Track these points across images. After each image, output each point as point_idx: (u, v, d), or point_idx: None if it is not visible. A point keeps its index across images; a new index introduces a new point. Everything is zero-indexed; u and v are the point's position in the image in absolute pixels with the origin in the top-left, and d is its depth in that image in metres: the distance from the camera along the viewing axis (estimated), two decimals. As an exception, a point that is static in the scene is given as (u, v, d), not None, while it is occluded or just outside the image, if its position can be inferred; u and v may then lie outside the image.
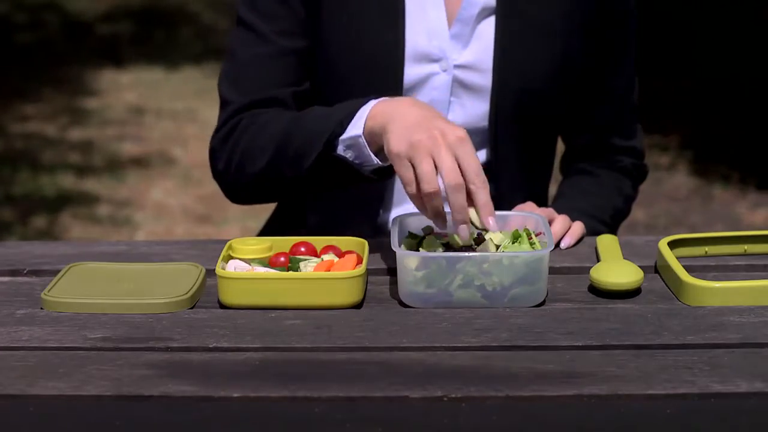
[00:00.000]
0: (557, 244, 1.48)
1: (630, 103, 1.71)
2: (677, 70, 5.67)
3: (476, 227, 1.32)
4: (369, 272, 1.34)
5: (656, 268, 1.41)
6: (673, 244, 1.41)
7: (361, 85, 1.57)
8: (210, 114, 4.95)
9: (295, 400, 1.07)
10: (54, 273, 1.39)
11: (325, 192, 1.62)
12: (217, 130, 1.60)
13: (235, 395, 1.07)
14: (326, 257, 1.35)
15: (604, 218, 1.65)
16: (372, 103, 1.41)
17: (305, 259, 1.34)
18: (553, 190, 1.75)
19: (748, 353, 1.15)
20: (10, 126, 5.15)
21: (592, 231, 1.56)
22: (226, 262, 1.33)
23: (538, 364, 1.13)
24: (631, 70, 1.69)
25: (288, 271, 1.32)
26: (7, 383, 1.10)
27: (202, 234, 3.81)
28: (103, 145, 4.88)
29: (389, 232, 1.63)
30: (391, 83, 1.57)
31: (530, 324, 1.23)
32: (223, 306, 1.29)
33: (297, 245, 1.37)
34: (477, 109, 1.61)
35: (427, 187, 1.28)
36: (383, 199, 1.63)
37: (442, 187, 1.29)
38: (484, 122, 1.61)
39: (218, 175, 1.60)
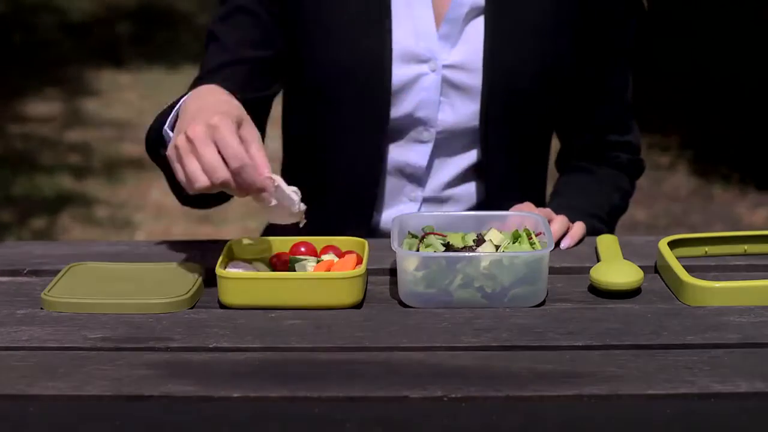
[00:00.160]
0: (557, 244, 1.48)
1: (625, 100, 1.71)
2: (677, 70, 5.67)
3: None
4: (369, 272, 1.34)
5: (656, 268, 1.41)
6: (673, 244, 1.41)
7: (350, 86, 1.58)
8: (210, 114, 4.94)
9: (295, 400, 1.07)
10: (54, 273, 1.39)
11: (317, 191, 1.62)
12: None
13: (235, 395, 1.07)
14: (326, 257, 1.35)
15: (603, 216, 1.65)
16: (183, 99, 1.39)
17: (305, 259, 1.34)
18: (549, 188, 1.75)
19: (748, 353, 1.15)
20: (10, 126, 5.15)
21: (591, 229, 1.56)
22: (226, 262, 1.33)
23: (538, 364, 1.13)
24: (626, 67, 1.69)
25: (288, 271, 1.32)
26: (7, 383, 1.10)
27: (202, 234, 3.81)
28: (103, 145, 4.88)
29: (382, 233, 1.64)
30: (379, 84, 1.57)
31: (530, 324, 1.23)
32: (223, 306, 1.29)
33: (297, 245, 1.38)
34: (467, 109, 1.61)
35: (196, 185, 1.25)
36: (374, 201, 1.64)
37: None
38: (475, 122, 1.61)
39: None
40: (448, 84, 1.59)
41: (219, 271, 1.29)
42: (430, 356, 1.15)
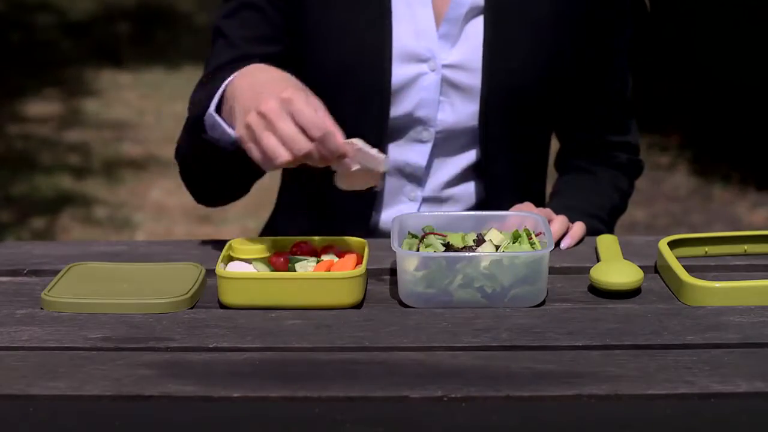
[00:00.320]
0: (557, 244, 1.48)
1: (624, 100, 1.71)
2: (677, 70, 5.67)
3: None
4: (369, 272, 1.34)
5: (656, 268, 1.41)
6: (673, 244, 1.41)
7: (350, 85, 1.58)
8: (210, 114, 4.94)
9: (295, 400, 1.06)
10: (54, 273, 1.38)
11: (317, 190, 1.62)
12: None
13: (235, 395, 1.07)
14: (326, 257, 1.35)
15: (603, 216, 1.65)
16: (227, 80, 1.39)
17: (305, 259, 1.34)
18: (548, 188, 1.75)
19: (748, 353, 1.15)
20: (9, 127, 5.15)
21: (591, 229, 1.56)
22: (226, 262, 1.33)
23: (538, 364, 1.13)
24: (625, 67, 1.69)
25: (288, 271, 1.32)
26: (7, 383, 1.10)
27: (202, 234, 3.81)
28: (103, 145, 4.88)
29: (382, 233, 1.64)
30: (379, 84, 1.57)
31: (530, 324, 1.23)
32: (223, 306, 1.29)
33: (297, 245, 1.38)
34: (467, 109, 1.61)
35: (278, 160, 1.26)
36: (374, 201, 1.64)
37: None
38: (474, 122, 1.61)
39: (183, 180, 1.61)
40: (447, 83, 1.59)
41: (219, 271, 1.29)
42: (430, 356, 1.15)
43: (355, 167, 1.31)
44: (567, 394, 1.06)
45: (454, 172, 1.65)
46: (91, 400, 1.07)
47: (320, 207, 1.66)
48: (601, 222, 1.64)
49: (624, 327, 1.22)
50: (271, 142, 1.26)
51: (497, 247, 1.33)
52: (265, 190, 2.02)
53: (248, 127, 1.28)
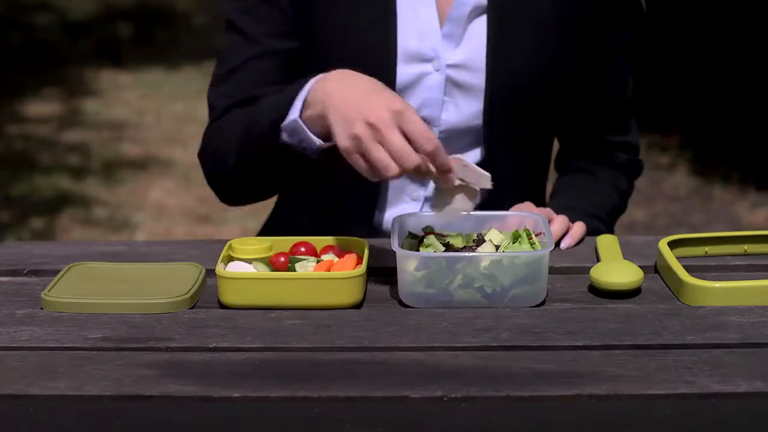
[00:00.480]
0: (557, 244, 1.48)
1: (624, 100, 1.71)
2: (677, 71, 5.67)
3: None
4: (369, 272, 1.34)
5: (656, 268, 1.41)
6: (673, 244, 1.41)
7: None
8: (210, 114, 4.95)
9: (295, 400, 1.06)
10: (54, 273, 1.38)
11: (319, 189, 1.63)
12: (203, 135, 1.61)
13: (235, 395, 1.07)
14: (326, 257, 1.35)
15: (603, 216, 1.65)
16: (309, 84, 1.40)
17: (305, 259, 1.34)
18: (549, 188, 1.75)
19: (748, 353, 1.15)
20: (9, 127, 5.15)
21: (591, 229, 1.56)
22: (226, 262, 1.33)
23: (538, 364, 1.13)
24: (625, 67, 1.69)
25: (288, 271, 1.32)
26: (7, 383, 1.10)
27: (202, 234, 3.81)
28: (103, 145, 4.88)
29: (384, 233, 1.64)
30: (384, 84, 1.57)
31: (530, 324, 1.23)
32: (223, 306, 1.29)
33: (297, 245, 1.37)
34: (470, 108, 1.61)
35: (388, 173, 1.27)
36: (377, 201, 1.63)
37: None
38: (478, 121, 1.61)
39: (207, 178, 1.62)
40: (451, 83, 1.59)
41: (219, 271, 1.29)
42: (430, 356, 1.15)
43: (456, 182, 1.32)
44: (567, 394, 1.06)
45: None
46: (91, 400, 1.07)
47: (323, 207, 1.66)
48: (601, 222, 1.64)
49: (624, 327, 1.22)
50: (380, 154, 1.26)
51: (497, 247, 1.33)
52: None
53: (356, 138, 1.27)
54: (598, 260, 1.40)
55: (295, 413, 1.06)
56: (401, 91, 1.58)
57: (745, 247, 1.45)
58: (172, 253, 1.48)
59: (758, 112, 5.02)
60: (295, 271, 1.31)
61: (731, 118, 5.06)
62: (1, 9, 7.35)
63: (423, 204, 1.66)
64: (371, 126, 1.27)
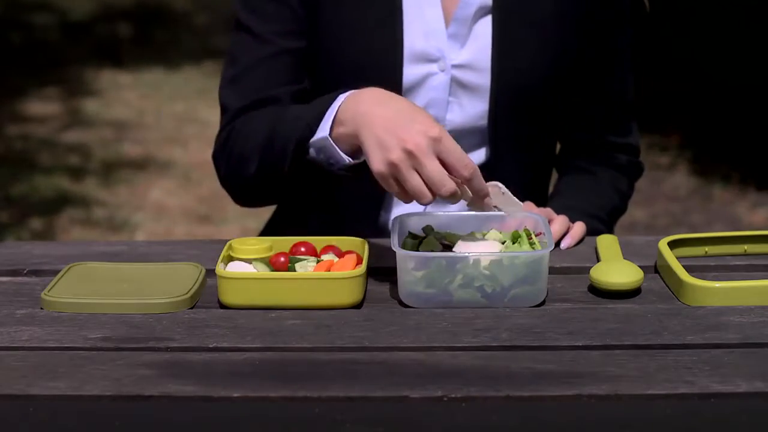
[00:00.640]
0: (557, 244, 1.48)
1: (625, 101, 1.71)
2: (677, 70, 5.67)
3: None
4: (369, 272, 1.34)
5: (656, 268, 1.41)
6: (673, 244, 1.41)
7: (360, 86, 1.57)
8: (210, 114, 4.95)
9: (295, 400, 1.06)
10: (54, 273, 1.38)
11: (324, 191, 1.63)
12: (217, 136, 1.61)
13: (235, 395, 1.07)
14: (326, 257, 1.35)
15: (602, 217, 1.65)
16: (339, 101, 1.39)
17: (305, 259, 1.34)
18: (550, 188, 1.75)
19: (748, 353, 1.15)
20: (9, 127, 5.15)
21: (591, 229, 1.56)
22: (226, 262, 1.33)
23: (538, 364, 1.13)
24: (627, 68, 1.69)
25: (288, 271, 1.32)
26: (7, 383, 1.10)
27: (202, 234, 3.81)
28: (103, 145, 4.88)
29: (390, 233, 1.64)
30: (389, 84, 1.56)
31: (530, 324, 1.23)
32: (223, 306, 1.29)
33: (297, 245, 1.37)
34: (475, 109, 1.61)
35: (424, 200, 1.28)
36: (384, 200, 1.63)
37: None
38: (483, 121, 1.61)
39: (222, 180, 1.61)
40: (457, 84, 1.59)
41: (219, 271, 1.29)
42: (430, 356, 1.15)
43: (492, 209, 1.35)
44: (567, 394, 1.06)
45: None
46: (91, 400, 1.07)
47: (328, 207, 1.66)
48: (601, 222, 1.64)
49: (624, 327, 1.22)
50: (417, 182, 1.27)
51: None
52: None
53: (392, 165, 1.28)
54: (598, 260, 1.40)
55: (295, 413, 1.06)
56: (407, 92, 1.58)
57: (745, 247, 1.45)
58: (172, 253, 1.48)
59: (758, 112, 5.02)
60: (295, 271, 1.31)
61: (731, 118, 5.06)
62: (1, 9, 7.35)
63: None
64: (409, 153, 1.27)
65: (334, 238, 1.40)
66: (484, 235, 1.36)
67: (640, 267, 1.34)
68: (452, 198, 1.29)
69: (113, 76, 6.09)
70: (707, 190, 4.34)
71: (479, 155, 1.64)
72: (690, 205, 4.21)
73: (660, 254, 1.39)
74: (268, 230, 1.76)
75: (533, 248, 1.32)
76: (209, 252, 1.45)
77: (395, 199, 1.64)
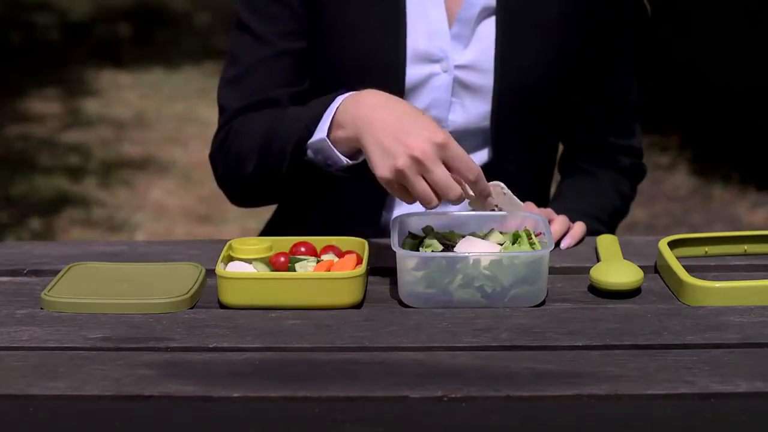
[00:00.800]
0: (557, 245, 1.48)
1: (627, 103, 1.71)
2: (677, 70, 5.67)
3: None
4: (369, 272, 1.34)
5: (656, 268, 1.41)
6: (673, 244, 1.41)
7: (363, 86, 1.57)
8: (210, 114, 4.95)
9: (295, 400, 1.06)
10: (54, 273, 1.38)
11: (325, 190, 1.63)
12: (214, 136, 1.61)
13: (235, 395, 1.07)
14: (326, 257, 1.35)
15: (603, 218, 1.65)
16: (337, 103, 1.39)
17: (305, 259, 1.34)
18: (552, 189, 1.75)
19: (748, 353, 1.15)
20: (9, 127, 5.15)
21: (591, 231, 1.56)
22: (226, 262, 1.33)
23: (538, 364, 1.13)
24: (629, 70, 1.69)
25: (288, 271, 1.32)
26: (7, 383, 1.10)
27: (202, 234, 3.81)
28: (103, 145, 4.88)
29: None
30: (392, 84, 1.57)
31: (530, 324, 1.23)
32: (223, 306, 1.29)
33: (297, 245, 1.37)
34: (478, 109, 1.61)
35: (430, 205, 1.29)
36: (385, 200, 1.63)
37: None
38: (485, 122, 1.61)
39: (219, 180, 1.61)
40: (459, 84, 1.59)
41: (219, 271, 1.29)
42: (430, 356, 1.15)
43: (493, 209, 1.36)
44: (567, 394, 1.06)
45: None
46: (91, 400, 1.07)
47: (329, 207, 1.66)
48: (602, 224, 1.64)
49: (624, 327, 1.22)
50: (423, 187, 1.28)
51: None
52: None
53: (398, 171, 1.28)
54: (598, 260, 1.40)
55: (295, 413, 1.06)
56: (409, 92, 1.58)
57: (745, 247, 1.45)
58: (172, 253, 1.48)
59: (758, 112, 5.02)
60: (295, 271, 1.31)
61: (731, 118, 5.06)
62: (1, 9, 7.35)
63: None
64: (415, 160, 1.27)
65: (334, 238, 1.40)
66: (484, 235, 1.36)
67: (640, 267, 1.34)
68: (457, 201, 1.30)
69: (113, 76, 6.09)
70: (707, 190, 4.34)
71: (481, 156, 1.64)
72: (690, 205, 4.21)
73: (660, 254, 1.39)
74: (268, 230, 1.76)
75: (533, 248, 1.32)
76: (209, 252, 1.45)
77: (396, 200, 1.64)
